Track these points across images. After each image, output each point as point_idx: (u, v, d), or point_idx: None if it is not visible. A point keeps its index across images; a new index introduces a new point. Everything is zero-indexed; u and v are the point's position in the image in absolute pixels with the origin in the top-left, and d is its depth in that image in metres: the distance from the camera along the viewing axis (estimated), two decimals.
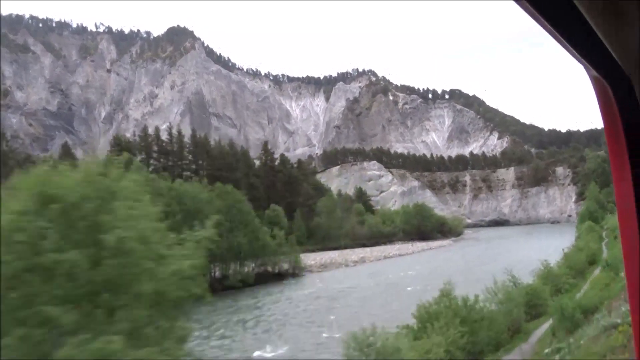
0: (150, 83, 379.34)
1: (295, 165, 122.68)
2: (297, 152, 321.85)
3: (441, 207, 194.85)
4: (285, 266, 62.23)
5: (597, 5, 1.24)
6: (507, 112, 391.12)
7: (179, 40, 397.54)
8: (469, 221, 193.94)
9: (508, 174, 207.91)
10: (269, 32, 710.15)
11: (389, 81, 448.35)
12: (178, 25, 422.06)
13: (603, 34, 1.37)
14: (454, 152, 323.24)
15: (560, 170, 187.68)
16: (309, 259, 79.96)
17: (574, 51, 1.52)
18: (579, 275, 36.02)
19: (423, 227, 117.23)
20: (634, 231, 1.57)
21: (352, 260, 75.72)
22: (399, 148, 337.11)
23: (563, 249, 50.97)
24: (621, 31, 1.38)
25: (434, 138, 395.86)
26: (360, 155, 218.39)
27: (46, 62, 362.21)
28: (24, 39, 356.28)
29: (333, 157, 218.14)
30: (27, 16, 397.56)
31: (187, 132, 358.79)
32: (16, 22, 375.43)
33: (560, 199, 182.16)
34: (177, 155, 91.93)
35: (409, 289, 46.73)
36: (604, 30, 1.37)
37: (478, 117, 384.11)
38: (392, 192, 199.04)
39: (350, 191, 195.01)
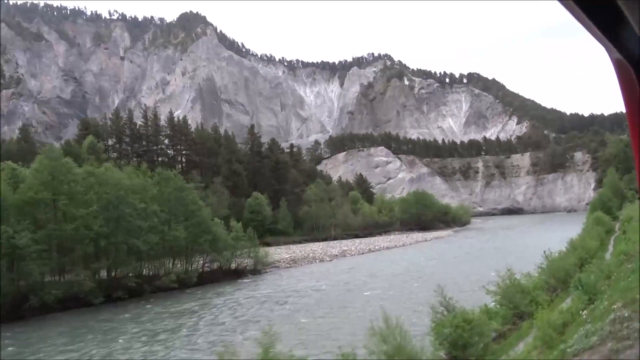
0: (162, 70, 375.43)
1: (288, 151, 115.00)
2: (310, 139, 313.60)
3: (451, 195, 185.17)
4: (248, 262, 54.93)
5: None
6: (527, 96, 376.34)
7: (190, 26, 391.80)
8: (480, 209, 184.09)
9: (523, 160, 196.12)
10: (284, 17, 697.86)
11: (404, 65, 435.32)
12: (190, 11, 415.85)
13: (628, 14, 1.33)
14: (470, 137, 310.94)
15: (579, 155, 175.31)
16: (286, 252, 72.60)
17: (597, 32, 1.46)
18: (561, 285, 27.67)
19: (423, 217, 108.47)
20: None
21: (330, 254, 67.94)
22: (413, 134, 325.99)
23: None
24: None
25: (451, 123, 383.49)
26: (368, 141, 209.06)
27: (60, 50, 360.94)
28: (38, 27, 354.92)
29: (340, 143, 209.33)
30: (41, 5, 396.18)
31: (197, 119, 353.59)
32: (31, 10, 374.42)
33: (578, 186, 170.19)
34: (152, 140, 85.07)
35: (366, 293, 38.95)
36: (628, 11, 1.32)
37: (497, 101, 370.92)
38: (400, 179, 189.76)
39: None
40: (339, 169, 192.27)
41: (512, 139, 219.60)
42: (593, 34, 1.46)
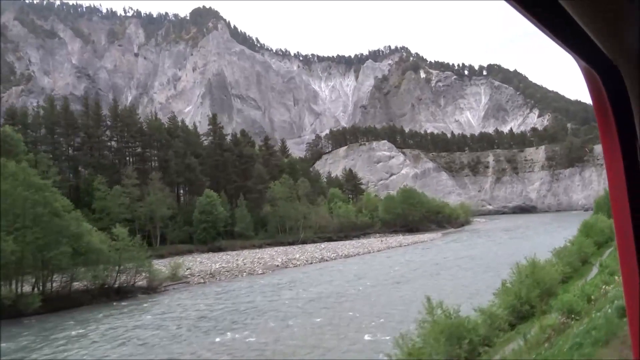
0: (174, 66, 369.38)
1: (262, 144, 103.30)
2: (324, 135, 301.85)
3: (458, 192, 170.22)
4: (143, 278, 43.73)
5: (582, 3, 1.28)
6: (550, 88, 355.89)
7: (202, 21, 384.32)
8: (489, 207, 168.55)
9: (537, 154, 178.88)
10: (301, 12, 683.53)
11: (422, 58, 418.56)
12: (203, 7, 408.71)
13: (590, 28, 1.39)
14: (489, 131, 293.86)
15: (598, 148, 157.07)
16: (217, 262, 61.06)
17: (562, 44, 1.51)
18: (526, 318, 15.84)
19: (410, 217, 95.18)
20: (628, 226, 1.51)
21: (269, 265, 56.06)
22: (429, 128, 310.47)
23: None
24: (608, 25, 1.38)
25: (469, 117, 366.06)
26: (372, 135, 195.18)
27: (75, 48, 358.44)
28: (52, 25, 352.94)
29: (341, 137, 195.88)
30: (57, 3, 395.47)
31: (207, 114, 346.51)
32: (46, 8, 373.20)
33: (597, 181, 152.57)
34: (91, 131, 74.63)
35: (217, 339, 27.16)
36: (590, 25, 1.38)
37: (517, 93, 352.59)
38: (404, 175, 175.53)
39: (359, 174, 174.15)
40: (340, 164, 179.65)
41: (527, 132, 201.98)
42: (559, 45, 1.51)
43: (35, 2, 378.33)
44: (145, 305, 39.78)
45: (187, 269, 54.85)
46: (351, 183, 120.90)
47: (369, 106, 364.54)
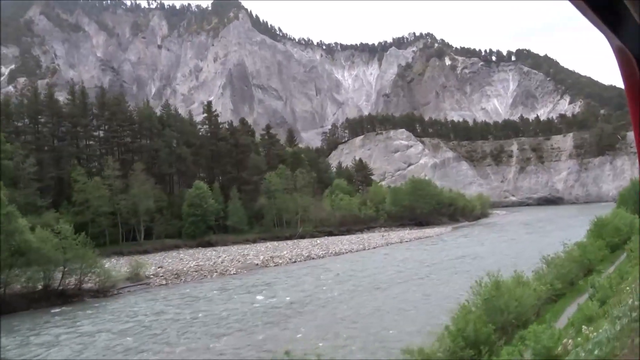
0: (196, 56, 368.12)
1: (264, 133, 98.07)
2: (340, 124, 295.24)
3: (479, 182, 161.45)
4: (95, 279, 39.21)
5: None
6: (583, 73, 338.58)
7: (223, 11, 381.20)
8: (513, 199, 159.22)
9: (565, 142, 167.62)
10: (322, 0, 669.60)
11: (447, 44, 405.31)
12: None
13: (628, 3, 1.30)
14: (518, 119, 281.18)
15: (631, 135, 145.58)
16: (198, 259, 56.38)
17: (597, 20, 1.41)
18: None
19: (418, 210, 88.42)
20: None
21: (247, 264, 50.96)
22: (454, 116, 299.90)
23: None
24: None
25: (496, 105, 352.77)
26: (390, 123, 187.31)
27: (100, 41, 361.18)
28: (76, 18, 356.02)
29: (358, 126, 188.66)
30: None
31: (228, 105, 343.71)
32: (72, 3, 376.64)
33: (630, 171, 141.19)
34: (76, 120, 70.88)
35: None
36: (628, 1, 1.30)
37: (548, 79, 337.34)
38: (422, 165, 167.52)
39: (376, 164, 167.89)
40: (356, 154, 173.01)
41: (554, 118, 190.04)
42: (593, 22, 1.39)
43: None
44: (89, 311, 35.14)
45: (158, 267, 50.40)
46: (361, 173, 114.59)
47: (392, 95, 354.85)
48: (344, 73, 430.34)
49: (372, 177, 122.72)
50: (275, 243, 72.25)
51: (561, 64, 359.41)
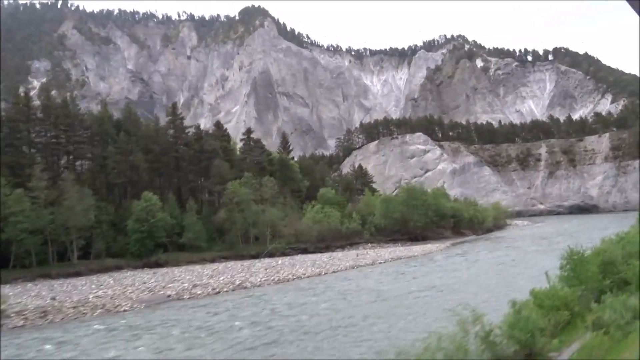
0: (222, 66, 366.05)
1: (245, 137, 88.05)
2: (354, 129, 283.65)
3: (504, 189, 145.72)
4: None
5: None
6: (626, 70, 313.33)
7: (249, 20, 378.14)
8: (541, 207, 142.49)
9: (600, 143, 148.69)
10: (353, 5, 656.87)
11: (479, 45, 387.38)
12: (252, 5, 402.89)
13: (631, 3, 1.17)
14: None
15: None
16: (103, 287, 46.69)
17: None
18: None
19: (413, 222, 75.79)
20: None
21: (156, 296, 40.65)
22: (485, 120, 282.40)
23: None
24: None
25: (531, 106, 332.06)
26: (407, 126, 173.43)
27: (131, 53, 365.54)
28: (109, 32, 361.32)
29: (374, 131, 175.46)
30: (116, 11, 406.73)
31: (252, 113, 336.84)
32: (105, 17, 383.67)
33: None
34: (13, 125, 63.16)
35: None
36: None
37: (587, 78, 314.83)
38: (440, 171, 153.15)
39: (391, 171, 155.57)
40: (370, 160, 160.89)
41: (589, 117, 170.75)
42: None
43: (95, 11, 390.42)
44: None
45: (51, 299, 40.79)
46: (361, 181, 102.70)
47: (420, 99, 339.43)
48: (372, 78, 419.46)
49: (388, 185, 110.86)
50: (233, 263, 61.82)
51: (603, 61, 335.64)
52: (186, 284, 45.39)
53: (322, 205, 76.81)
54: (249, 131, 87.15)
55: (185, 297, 40.99)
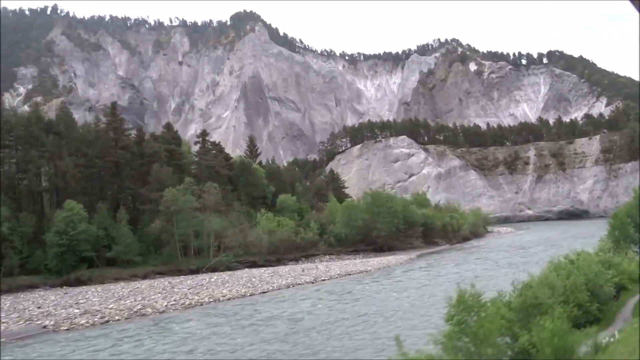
0: (213, 71, 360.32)
1: (199, 139, 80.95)
2: (337, 132, 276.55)
3: (490, 194, 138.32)
4: None
5: None
6: (622, 73, 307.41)
7: (241, 25, 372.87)
8: (529, 213, 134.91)
9: (590, 145, 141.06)
10: (345, 10, 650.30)
11: (473, 49, 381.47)
12: (244, 10, 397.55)
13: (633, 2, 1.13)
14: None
15: None
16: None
17: None
18: None
19: (379, 231, 68.39)
20: None
21: (30, 328, 33.46)
22: (479, 124, 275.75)
23: None
24: None
25: (525, 110, 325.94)
26: (392, 130, 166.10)
27: (122, 59, 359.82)
28: (99, 38, 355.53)
29: (357, 135, 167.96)
30: (107, 17, 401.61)
31: (241, 118, 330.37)
32: (96, 23, 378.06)
33: None
34: None
35: None
36: None
37: (582, 81, 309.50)
38: (425, 176, 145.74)
39: (375, 176, 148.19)
40: (353, 164, 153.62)
41: (579, 119, 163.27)
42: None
43: (86, 18, 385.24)
44: None
45: None
46: (333, 185, 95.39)
47: (412, 103, 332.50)
48: (366, 83, 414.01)
49: (371, 188, 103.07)
50: (163, 280, 54.56)
51: (598, 65, 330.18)
52: (77, 310, 38.15)
53: (276, 213, 69.54)
54: (204, 133, 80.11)
55: (63, 328, 33.75)
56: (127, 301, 41.00)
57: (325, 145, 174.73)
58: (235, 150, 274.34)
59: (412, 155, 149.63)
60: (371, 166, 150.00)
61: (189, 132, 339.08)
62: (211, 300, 40.66)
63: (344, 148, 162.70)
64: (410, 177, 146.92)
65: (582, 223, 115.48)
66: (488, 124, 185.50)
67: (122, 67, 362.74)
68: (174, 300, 40.03)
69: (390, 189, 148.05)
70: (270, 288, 44.65)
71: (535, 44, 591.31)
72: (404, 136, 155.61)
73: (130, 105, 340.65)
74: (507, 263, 57.39)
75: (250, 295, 42.48)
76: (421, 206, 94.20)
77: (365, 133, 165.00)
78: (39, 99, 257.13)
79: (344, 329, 29.01)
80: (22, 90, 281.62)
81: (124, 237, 57.88)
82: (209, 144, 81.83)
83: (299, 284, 46.89)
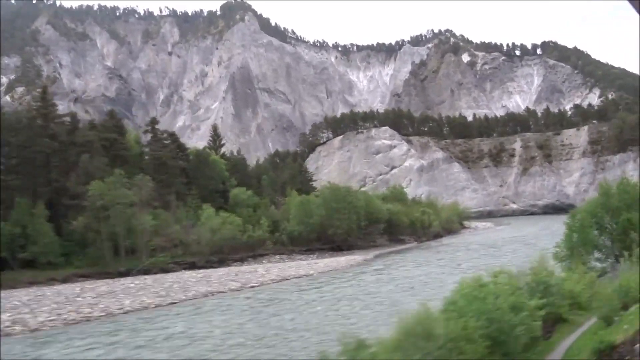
0: (201, 62, 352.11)
1: (148, 127, 74.13)
2: (318, 123, 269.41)
3: (474, 187, 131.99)
4: None
5: None
6: (616, 65, 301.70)
7: (231, 14, 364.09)
8: (513, 207, 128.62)
9: (578, 137, 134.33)
10: (340, 1, 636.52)
11: (467, 40, 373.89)
12: (235, 0, 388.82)
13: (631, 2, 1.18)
14: None
15: None
16: None
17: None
18: None
19: (331, 230, 61.86)
20: None
21: None
22: (470, 115, 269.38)
23: None
24: None
25: (518, 101, 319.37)
26: (375, 120, 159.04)
27: (110, 49, 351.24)
28: (86, 27, 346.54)
29: (337, 125, 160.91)
30: (95, 7, 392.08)
31: (229, 110, 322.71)
32: (84, 12, 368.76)
33: None
34: None
35: None
36: None
37: (575, 72, 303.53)
38: (407, 168, 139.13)
39: (356, 168, 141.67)
40: (334, 156, 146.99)
41: (565, 109, 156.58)
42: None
43: (74, 7, 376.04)
44: None
45: None
46: (298, 179, 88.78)
47: (403, 94, 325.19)
48: (359, 74, 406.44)
49: (352, 183, 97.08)
50: (88, 284, 48.08)
51: (592, 56, 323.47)
52: None
53: (231, 209, 63.01)
54: (153, 121, 73.27)
55: None
56: (5, 315, 34.44)
57: (307, 136, 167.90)
58: (223, 142, 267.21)
59: (395, 147, 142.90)
60: (352, 158, 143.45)
61: (178, 123, 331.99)
62: (104, 314, 34.19)
63: (325, 139, 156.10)
64: (392, 169, 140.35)
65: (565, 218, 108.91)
66: (475, 115, 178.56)
67: (110, 58, 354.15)
68: (57, 315, 33.51)
69: (372, 182, 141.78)
70: (183, 298, 38.21)
71: (531, 34, 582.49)
72: (386, 127, 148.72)
73: (117, 96, 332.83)
74: (469, 266, 50.97)
75: (154, 307, 36.03)
76: (397, 200, 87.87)
77: (348, 124, 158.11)
78: (21, 89, 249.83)
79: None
80: (4, 80, 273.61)
81: (42, 235, 51.32)
82: (161, 133, 75.04)
83: (221, 292, 40.47)
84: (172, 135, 79.78)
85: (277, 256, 59.66)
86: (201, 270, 51.81)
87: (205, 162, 78.63)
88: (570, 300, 17.96)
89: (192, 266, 56.41)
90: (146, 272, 54.08)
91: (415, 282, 42.35)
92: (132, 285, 45.14)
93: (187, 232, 58.14)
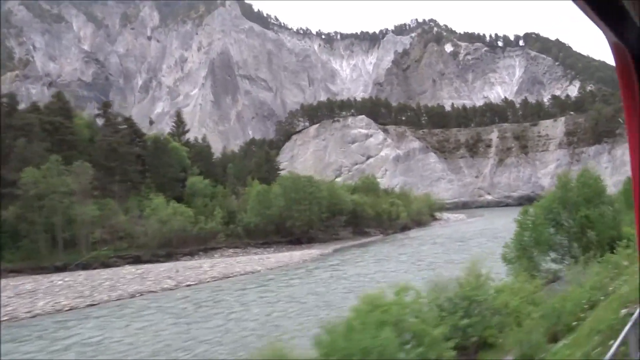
0: (181, 46, 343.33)
1: (99, 112, 69.24)
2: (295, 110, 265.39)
3: (450, 178, 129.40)
4: None
5: None
6: (596, 57, 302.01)
7: None
8: (488, 198, 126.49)
9: (555, 128, 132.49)
10: None
11: (450, 30, 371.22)
12: None
13: (628, 2, 1.25)
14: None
15: None
16: None
17: (595, 17, 1.35)
18: None
19: (289, 222, 58.31)
20: None
21: None
22: (450, 105, 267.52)
23: None
24: None
25: (499, 92, 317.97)
26: (352, 108, 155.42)
27: (87, 33, 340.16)
28: (61, 9, 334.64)
29: (314, 113, 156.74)
30: None
31: (208, 97, 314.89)
32: None
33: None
34: None
35: None
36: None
37: (556, 64, 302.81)
38: (383, 158, 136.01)
39: (331, 157, 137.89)
40: (310, 145, 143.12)
41: (542, 100, 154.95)
42: (590, 18, 1.30)
43: None
44: None
45: None
46: (264, 168, 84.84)
47: (385, 83, 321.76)
48: (342, 63, 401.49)
49: (328, 173, 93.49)
50: (17, 281, 43.82)
51: (574, 48, 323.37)
52: None
53: (187, 200, 58.98)
54: (105, 104, 68.48)
55: None
56: None
57: (284, 124, 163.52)
58: (202, 130, 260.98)
59: (371, 136, 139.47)
60: (328, 147, 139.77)
61: (156, 110, 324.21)
62: (6, 318, 30.17)
63: (302, 127, 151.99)
64: (367, 159, 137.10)
65: None
66: (453, 105, 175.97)
67: (87, 41, 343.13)
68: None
69: (347, 171, 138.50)
70: (106, 298, 34.33)
71: (514, 26, 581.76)
72: (363, 116, 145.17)
73: (94, 80, 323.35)
74: (429, 262, 47.86)
75: (68, 310, 32.11)
76: (368, 191, 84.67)
77: (325, 112, 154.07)
78: None
79: None
80: None
81: None
82: (114, 117, 70.24)
83: (152, 291, 36.65)
84: (128, 120, 75.07)
85: (231, 250, 55.93)
86: (143, 266, 47.83)
87: (164, 149, 74.13)
88: (502, 318, 14.69)
89: (137, 260, 52.40)
90: (85, 267, 50.00)
91: (366, 281, 39.03)
92: (60, 282, 41.02)
93: (135, 224, 54.06)
